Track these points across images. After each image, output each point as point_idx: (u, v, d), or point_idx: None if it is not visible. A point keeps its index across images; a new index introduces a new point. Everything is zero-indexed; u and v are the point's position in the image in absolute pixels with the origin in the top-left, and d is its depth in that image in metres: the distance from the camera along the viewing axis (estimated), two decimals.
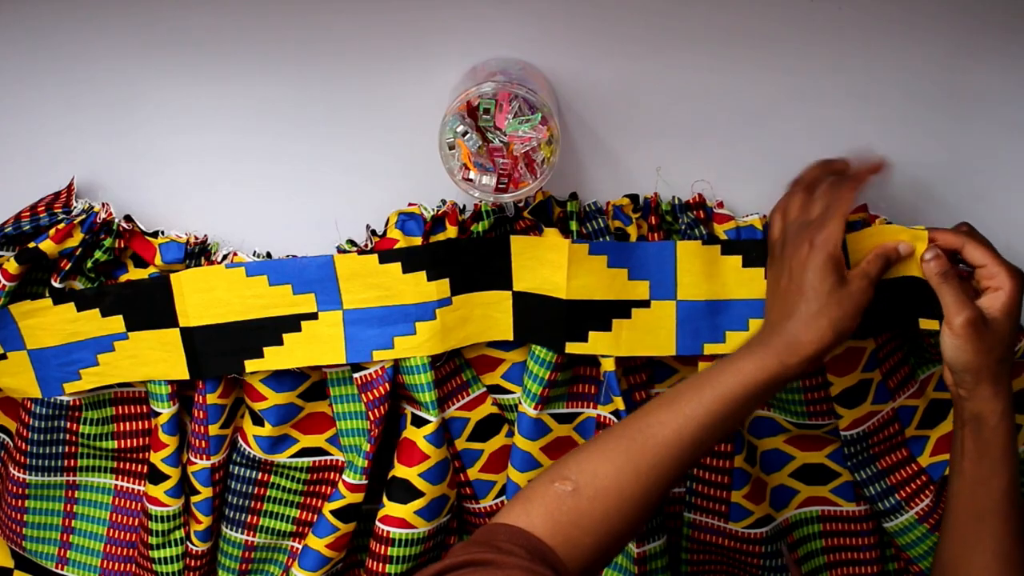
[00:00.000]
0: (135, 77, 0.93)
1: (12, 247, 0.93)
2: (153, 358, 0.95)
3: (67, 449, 1.00)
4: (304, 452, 0.99)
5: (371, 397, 0.93)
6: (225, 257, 0.93)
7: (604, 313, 0.91)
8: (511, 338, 0.94)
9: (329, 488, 1.01)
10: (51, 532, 1.03)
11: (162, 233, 0.94)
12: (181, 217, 0.96)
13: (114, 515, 1.03)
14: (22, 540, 1.03)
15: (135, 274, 0.94)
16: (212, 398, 0.95)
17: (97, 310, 0.94)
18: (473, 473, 0.98)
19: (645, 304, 0.91)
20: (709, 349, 0.92)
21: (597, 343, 0.92)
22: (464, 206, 0.92)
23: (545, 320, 0.92)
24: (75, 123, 0.94)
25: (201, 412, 0.96)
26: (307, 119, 0.93)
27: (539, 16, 0.90)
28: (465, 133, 0.82)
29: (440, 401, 0.94)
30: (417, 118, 0.91)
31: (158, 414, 0.96)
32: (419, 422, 0.94)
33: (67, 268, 0.92)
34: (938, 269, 0.81)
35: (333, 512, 0.96)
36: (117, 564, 1.04)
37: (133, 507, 1.03)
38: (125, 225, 0.93)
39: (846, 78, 0.91)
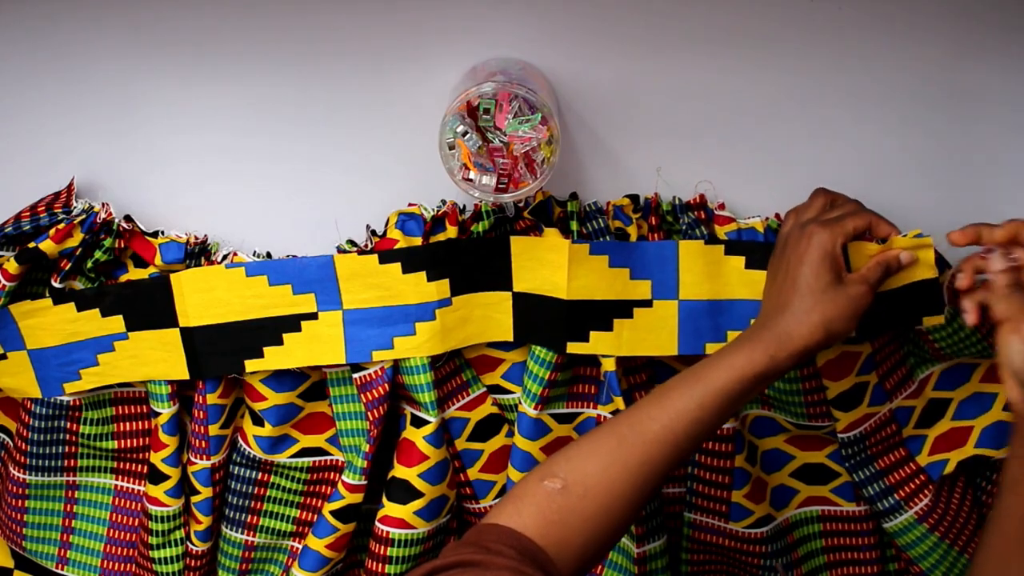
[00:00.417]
0: (135, 77, 0.93)
1: (12, 247, 0.93)
2: (153, 358, 0.95)
3: (67, 449, 1.00)
4: (304, 452, 0.99)
5: (370, 397, 0.93)
6: (225, 257, 0.93)
7: (605, 313, 0.91)
8: (511, 339, 0.94)
9: (329, 488, 1.01)
10: (51, 532, 1.03)
11: (162, 233, 0.94)
12: (181, 217, 0.96)
13: (114, 515, 1.03)
14: (22, 540, 1.03)
15: (135, 274, 0.94)
16: (212, 398, 0.95)
17: (97, 310, 0.94)
18: (473, 473, 0.98)
19: (647, 304, 0.91)
20: (711, 349, 0.92)
21: (598, 343, 0.92)
22: (464, 206, 0.92)
23: (545, 320, 0.92)
24: (75, 123, 0.94)
25: (201, 412, 0.96)
26: (307, 119, 0.93)
27: (539, 16, 0.90)
28: (465, 133, 0.82)
29: (440, 401, 0.94)
30: (417, 118, 0.91)
31: (158, 414, 0.96)
32: (418, 422, 0.94)
33: (67, 268, 0.92)
34: (1007, 280, 0.76)
35: (333, 512, 0.96)
36: (117, 564, 1.04)
37: (133, 507, 1.03)
38: (125, 225, 0.93)
39: (846, 78, 0.91)
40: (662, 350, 0.92)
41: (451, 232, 0.91)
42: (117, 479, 1.03)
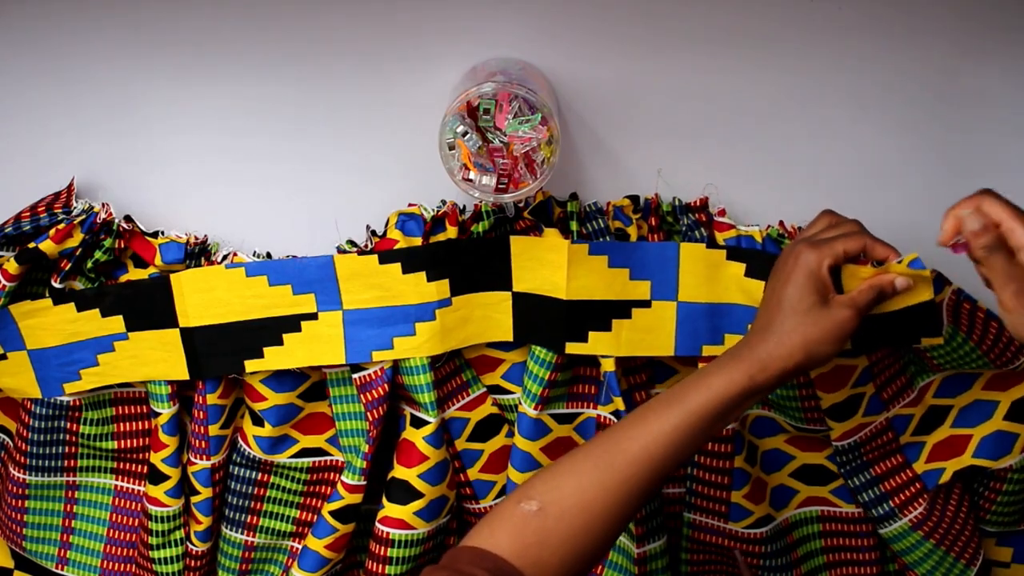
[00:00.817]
0: (135, 77, 0.93)
1: (12, 247, 0.93)
2: (153, 358, 0.95)
3: (67, 449, 1.00)
4: (304, 452, 0.99)
5: (370, 398, 0.93)
6: (225, 257, 0.93)
7: (604, 313, 0.91)
8: (511, 339, 0.94)
9: (329, 488, 1.01)
10: (51, 532, 1.03)
11: (162, 233, 0.94)
12: (181, 217, 0.96)
13: (114, 515, 1.03)
14: (22, 540, 1.03)
15: (135, 274, 0.94)
16: (212, 398, 0.95)
17: (97, 310, 0.94)
18: (473, 473, 0.98)
19: (646, 304, 0.91)
20: (708, 351, 0.92)
21: (597, 343, 0.92)
22: (464, 206, 0.92)
23: (545, 320, 0.92)
24: (75, 123, 0.94)
25: (201, 412, 0.96)
26: (307, 119, 0.93)
27: (539, 16, 0.90)
28: (465, 133, 0.82)
29: (440, 401, 0.94)
30: (417, 118, 0.91)
31: (158, 414, 0.96)
32: (418, 423, 0.94)
33: (67, 268, 0.92)
34: (986, 242, 0.73)
35: (332, 513, 0.96)
36: (117, 564, 1.04)
37: (133, 507, 1.03)
38: (125, 225, 0.93)
39: (846, 78, 0.91)
40: (660, 350, 0.92)
41: (451, 232, 0.91)
42: (117, 479, 1.03)
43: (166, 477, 0.97)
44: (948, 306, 0.88)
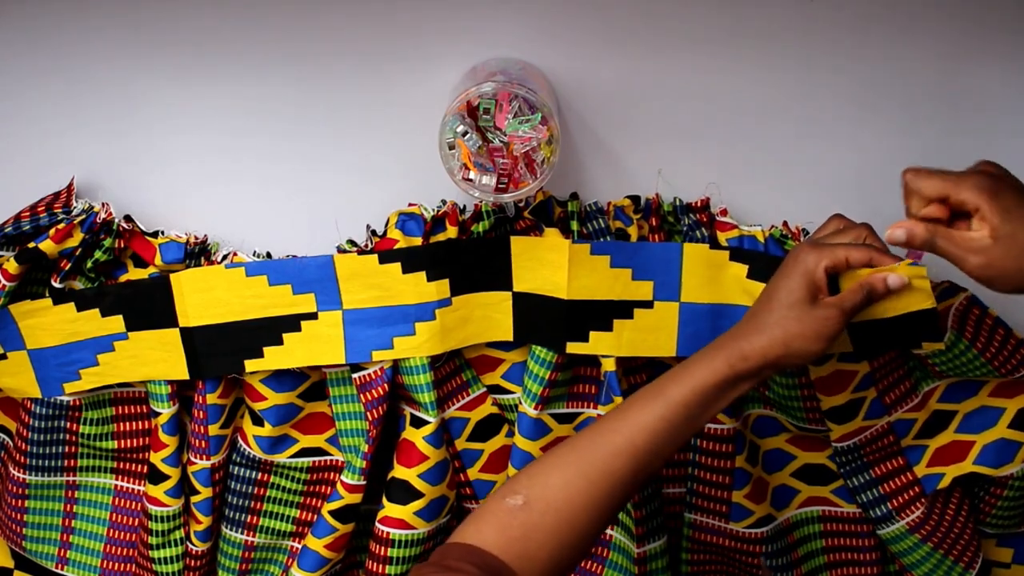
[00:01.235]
0: (135, 77, 0.93)
1: (12, 247, 0.93)
2: (153, 358, 0.95)
3: (67, 449, 1.00)
4: (304, 452, 0.99)
5: (370, 397, 0.93)
6: (225, 257, 0.93)
7: (605, 313, 0.91)
8: (511, 339, 0.94)
9: (329, 488, 1.01)
10: (51, 532, 1.03)
11: (162, 233, 0.94)
12: (181, 217, 0.96)
13: (114, 515, 1.03)
14: (22, 540, 1.03)
15: (135, 274, 0.94)
16: (212, 398, 0.95)
17: (97, 310, 0.94)
18: (473, 473, 0.98)
19: (648, 304, 0.91)
20: None
21: (598, 343, 0.92)
22: (464, 206, 0.92)
23: (546, 320, 0.92)
24: (75, 123, 0.94)
25: (201, 412, 0.96)
26: (307, 119, 0.93)
27: (539, 16, 0.90)
28: (465, 133, 0.82)
29: (440, 401, 0.94)
30: (417, 118, 0.91)
31: (158, 414, 0.96)
32: (418, 423, 0.94)
33: (67, 268, 0.92)
34: (926, 234, 0.75)
35: (332, 513, 0.96)
36: (117, 564, 1.04)
37: (133, 507, 1.03)
38: (125, 225, 0.93)
39: (846, 78, 0.91)
40: (661, 351, 0.92)
41: (451, 232, 0.91)
42: (117, 479, 1.03)
43: (166, 477, 0.97)
44: (956, 312, 0.88)
